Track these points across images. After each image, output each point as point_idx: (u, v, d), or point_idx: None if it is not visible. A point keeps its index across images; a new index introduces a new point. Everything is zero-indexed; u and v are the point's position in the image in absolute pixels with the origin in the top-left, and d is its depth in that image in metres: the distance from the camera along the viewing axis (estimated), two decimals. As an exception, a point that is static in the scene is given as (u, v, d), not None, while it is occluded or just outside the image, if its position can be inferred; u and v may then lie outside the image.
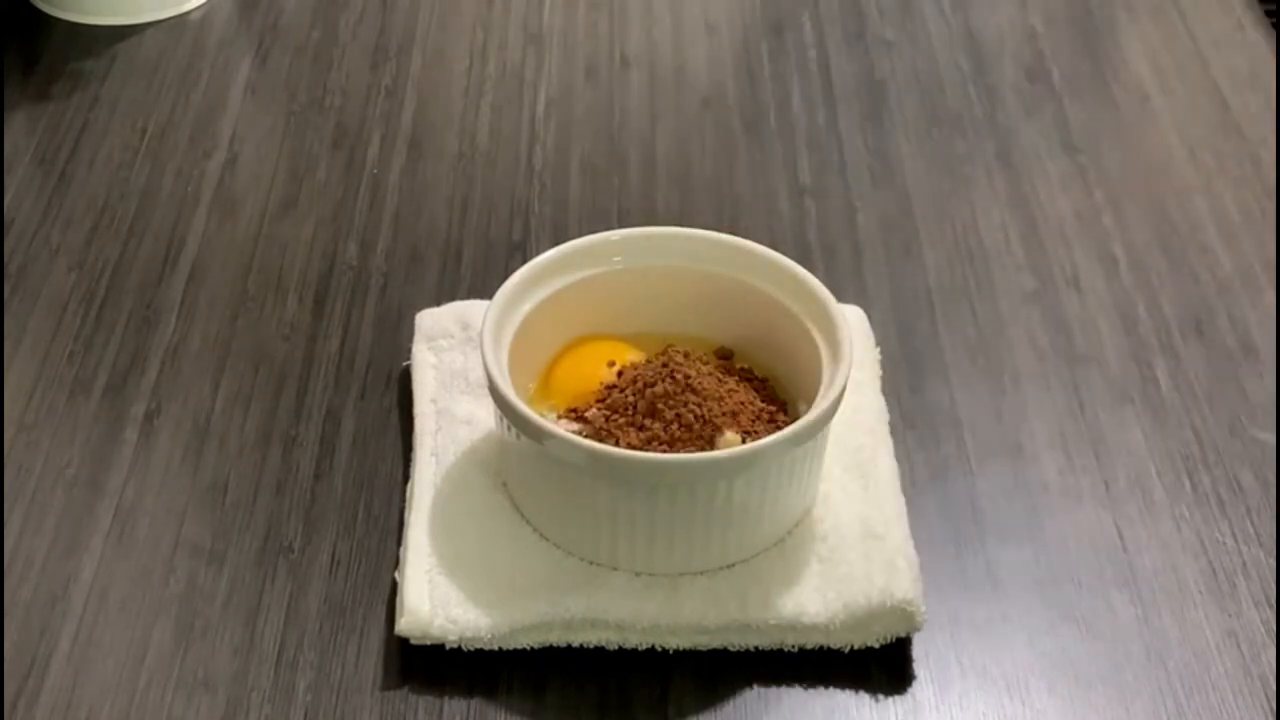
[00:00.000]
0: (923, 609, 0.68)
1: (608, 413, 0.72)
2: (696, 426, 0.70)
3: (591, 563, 0.71)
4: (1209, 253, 0.90)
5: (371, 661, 0.69)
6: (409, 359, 0.81)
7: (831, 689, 0.68)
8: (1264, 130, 0.98)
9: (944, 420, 0.80)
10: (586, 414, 0.72)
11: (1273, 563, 0.73)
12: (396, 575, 0.71)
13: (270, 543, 0.73)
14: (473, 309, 0.81)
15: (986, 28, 1.07)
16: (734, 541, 0.70)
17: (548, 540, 0.71)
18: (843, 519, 0.72)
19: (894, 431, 0.77)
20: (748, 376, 0.75)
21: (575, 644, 0.69)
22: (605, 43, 1.05)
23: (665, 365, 0.72)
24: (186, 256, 0.88)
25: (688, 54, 1.04)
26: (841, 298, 0.76)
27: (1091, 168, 0.95)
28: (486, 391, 0.71)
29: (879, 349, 0.81)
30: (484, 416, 0.76)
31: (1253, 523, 0.75)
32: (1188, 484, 0.77)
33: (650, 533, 0.69)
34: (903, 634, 0.69)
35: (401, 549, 0.71)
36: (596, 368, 0.75)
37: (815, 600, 0.69)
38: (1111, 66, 1.03)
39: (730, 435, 0.70)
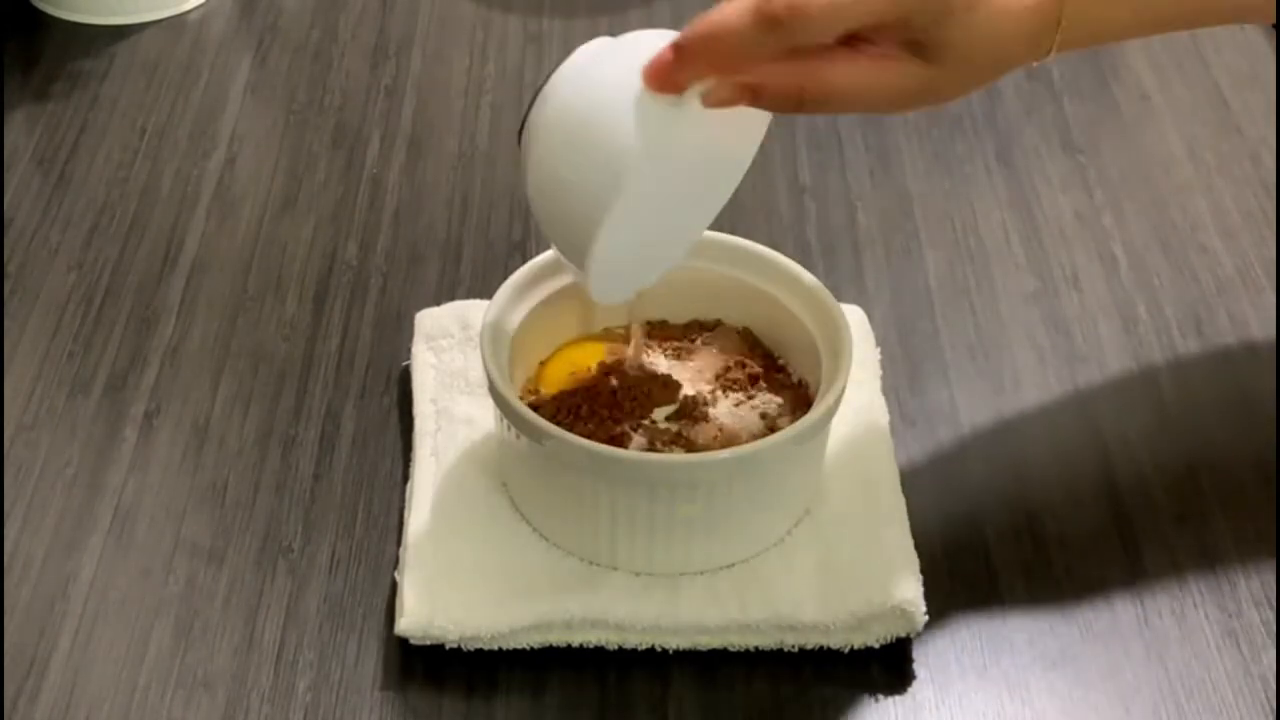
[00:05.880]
0: (923, 609, 0.68)
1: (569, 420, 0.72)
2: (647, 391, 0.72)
3: (591, 563, 0.71)
4: (1209, 253, 0.90)
5: (371, 661, 0.69)
6: (409, 359, 0.81)
7: (831, 689, 0.68)
8: (1264, 130, 0.98)
9: (944, 420, 0.80)
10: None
11: (1273, 563, 0.73)
12: (396, 575, 0.71)
13: (270, 543, 0.73)
14: (473, 309, 0.81)
15: (986, 28, 1.07)
16: (734, 541, 0.70)
17: (548, 540, 0.71)
18: (843, 519, 0.72)
19: (894, 431, 0.77)
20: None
21: (575, 644, 0.69)
22: (605, 43, 1.05)
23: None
24: (186, 256, 0.88)
25: (688, 54, 1.04)
26: (841, 298, 0.76)
27: (1091, 168, 0.95)
28: (486, 391, 0.71)
29: (879, 349, 0.81)
30: (484, 416, 0.76)
31: (1253, 523, 0.75)
32: (1188, 483, 0.77)
33: (650, 533, 0.69)
34: (903, 634, 0.69)
35: (401, 549, 0.71)
36: (585, 365, 0.75)
37: (815, 600, 0.69)
38: (1111, 66, 1.03)
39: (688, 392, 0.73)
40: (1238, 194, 0.93)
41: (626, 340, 0.76)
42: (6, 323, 0.84)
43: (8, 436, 0.78)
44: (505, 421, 0.70)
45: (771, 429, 0.72)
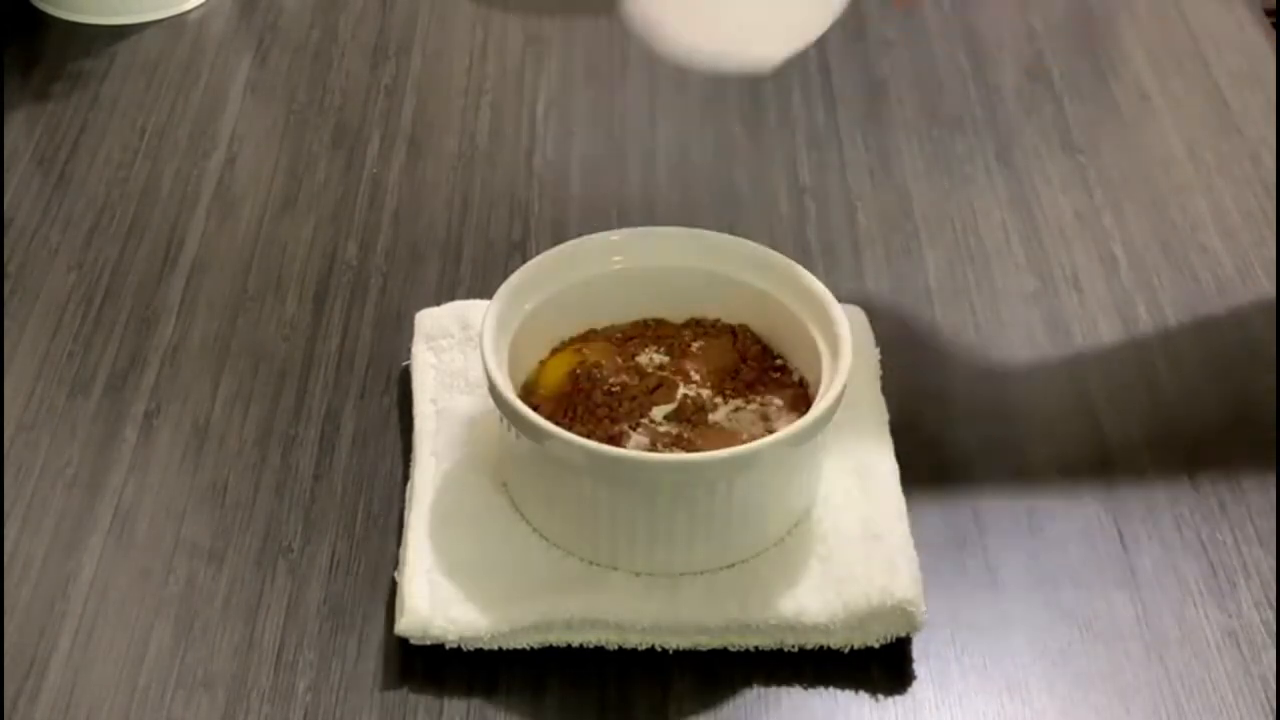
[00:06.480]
0: (923, 609, 0.68)
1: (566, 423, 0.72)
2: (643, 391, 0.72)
3: (591, 563, 0.71)
4: (1209, 253, 0.90)
5: (371, 661, 0.69)
6: (409, 359, 0.81)
7: (831, 689, 0.68)
8: (1264, 130, 0.98)
9: (944, 419, 0.80)
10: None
11: (1273, 563, 0.73)
12: (396, 575, 0.71)
13: (270, 543, 0.73)
14: (473, 309, 0.81)
15: (986, 27, 1.07)
16: (734, 541, 0.70)
17: (548, 540, 0.71)
18: (843, 519, 0.72)
19: (894, 431, 0.77)
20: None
21: (575, 644, 0.69)
22: (605, 43, 1.05)
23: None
24: (186, 256, 0.88)
25: (688, 54, 1.04)
26: (841, 298, 0.76)
27: (1091, 168, 0.95)
28: (486, 391, 0.71)
29: (879, 349, 0.81)
30: (484, 416, 0.75)
31: (1253, 523, 0.75)
32: (1188, 484, 0.77)
33: (650, 533, 0.69)
34: (903, 634, 0.69)
35: (401, 549, 0.71)
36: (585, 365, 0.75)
37: (815, 600, 0.69)
38: (1111, 66, 1.03)
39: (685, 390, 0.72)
40: (1238, 194, 0.93)
41: (627, 339, 0.76)
42: (6, 323, 0.84)
43: (8, 436, 0.78)
44: (505, 421, 0.70)
45: (771, 429, 0.72)
